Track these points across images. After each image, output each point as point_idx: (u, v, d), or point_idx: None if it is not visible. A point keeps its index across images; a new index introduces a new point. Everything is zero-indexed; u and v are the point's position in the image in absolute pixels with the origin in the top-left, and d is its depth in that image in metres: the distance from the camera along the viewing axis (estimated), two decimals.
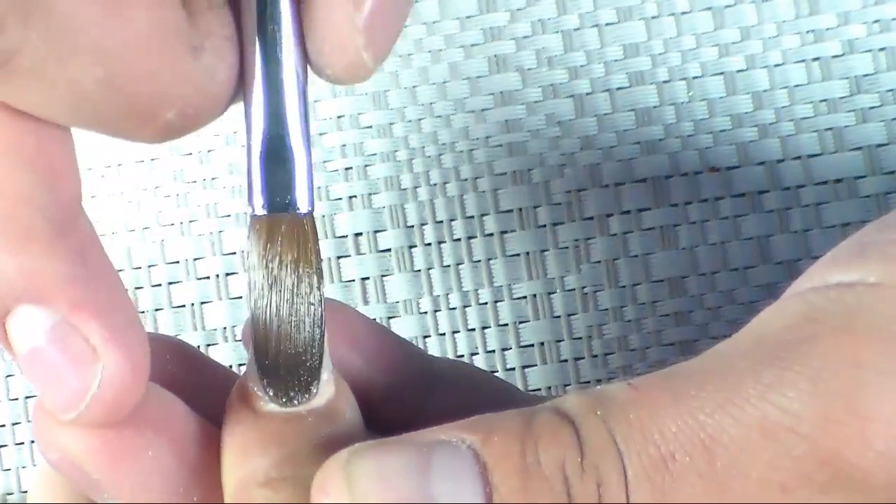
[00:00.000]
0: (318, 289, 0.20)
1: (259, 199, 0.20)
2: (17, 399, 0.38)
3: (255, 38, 0.19)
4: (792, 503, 0.18)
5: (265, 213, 0.20)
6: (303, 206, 0.20)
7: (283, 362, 0.21)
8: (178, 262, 0.38)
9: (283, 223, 0.20)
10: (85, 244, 0.19)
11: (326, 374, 0.21)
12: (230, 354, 0.37)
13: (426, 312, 0.38)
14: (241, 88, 0.20)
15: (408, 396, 0.24)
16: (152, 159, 0.39)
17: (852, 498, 0.18)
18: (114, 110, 0.18)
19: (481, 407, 0.25)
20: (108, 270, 0.19)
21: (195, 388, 0.23)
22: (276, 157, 0.20)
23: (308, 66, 0.20)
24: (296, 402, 0.21)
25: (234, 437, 0.21)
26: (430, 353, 0.36)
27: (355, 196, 0.38)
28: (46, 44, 0.17)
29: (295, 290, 0.20)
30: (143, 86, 0.18)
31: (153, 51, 0.18)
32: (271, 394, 0.21)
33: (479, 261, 0.38)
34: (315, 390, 0.21)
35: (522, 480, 0.18)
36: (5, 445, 0.38)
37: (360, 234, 0.38)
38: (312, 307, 0.20)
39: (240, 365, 0.37)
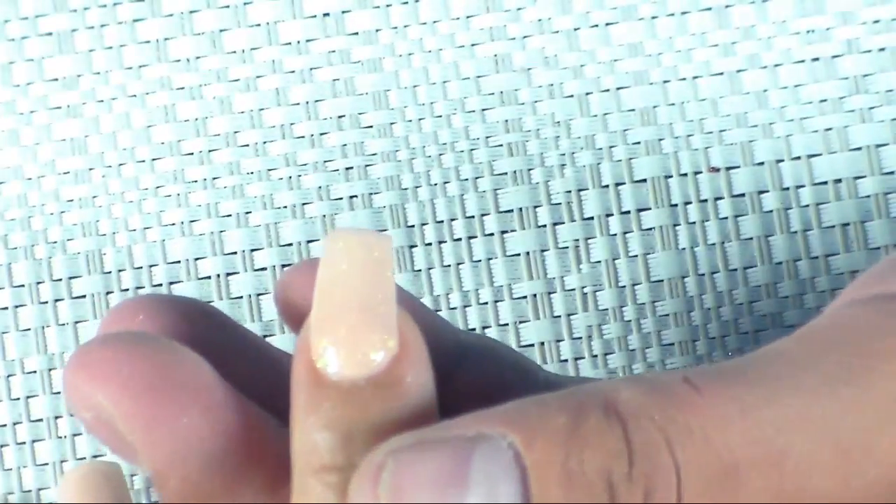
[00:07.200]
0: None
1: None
2: (17, 399, 0.38)
3: None
4: None
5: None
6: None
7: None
8: (178, 262, 0.38)
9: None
10: None
11: (391, 338, 0.19)
12: None
13: None
14: None
15: (438, 366, 0.23)
16: (153, 159, 0.39)
17: None
18: None
19: (507, 377, 0.24)
20: None
21: (224, 354, 0.22)
22: None
23: None
24: (361, 362, 0.19)
25: (296, 407, 0.20)
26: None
27: (356, 196, 0.38)
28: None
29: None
30: None
31: None
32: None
33: (480, 260, 0.38)
34: (381, 353, 0.19)
35: (565, 491, 0.17)
36: (6, 445, 0.38)
37: None
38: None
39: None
